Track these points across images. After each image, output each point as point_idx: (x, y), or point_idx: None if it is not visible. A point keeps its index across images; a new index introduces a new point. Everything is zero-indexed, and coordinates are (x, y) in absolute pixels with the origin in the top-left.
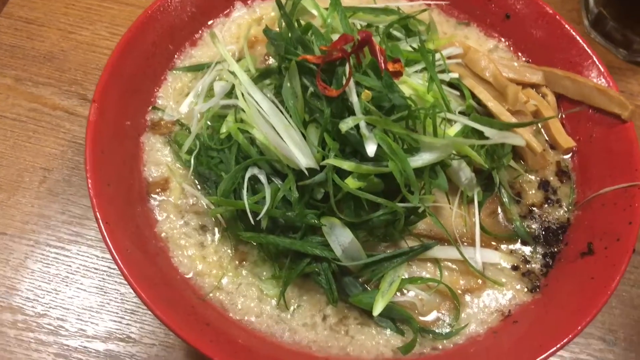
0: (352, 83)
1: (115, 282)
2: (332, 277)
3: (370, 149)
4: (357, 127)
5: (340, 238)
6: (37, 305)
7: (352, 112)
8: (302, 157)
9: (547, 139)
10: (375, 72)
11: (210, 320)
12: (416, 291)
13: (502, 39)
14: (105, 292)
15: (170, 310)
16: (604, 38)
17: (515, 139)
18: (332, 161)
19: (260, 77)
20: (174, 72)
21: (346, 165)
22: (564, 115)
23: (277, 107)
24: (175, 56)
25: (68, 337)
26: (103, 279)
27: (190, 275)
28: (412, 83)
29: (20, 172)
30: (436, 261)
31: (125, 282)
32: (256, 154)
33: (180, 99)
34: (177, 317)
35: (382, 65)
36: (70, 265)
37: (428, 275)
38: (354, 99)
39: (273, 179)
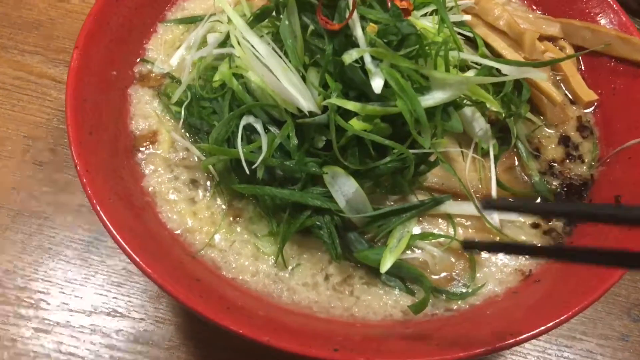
0: (356, 16)
1: (102, 253)
2: (335, 231)
3: (377, 83)
4: (362, 64)
5: (344, 188)
6: (17, 277)
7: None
8: (302, 100)
9: (567, 93)
10: (382, 5)
11: (200, 277)
12: (427, 248)
13: None
14: (90, 265)
15: (154, 262)
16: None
17: (536, 74)
18: (334, 101)
19: (256, 19)
20: (165, 24)
21: (350, 105)
22: (583, 68)
23: (275, 51)
24: (166, 8)
25: (50, 311)
26: (89, 250)
27: (179, 232)
28: (422, 24)
29: (3, 141)
30: (449, 217)
31: (113, 254)
32: (252, 101)
33: (171, 52)
34: (162, 269)
35: None
36: (53, 237)
37: (440, 232)
38: (358, 32)
39: (270, 127)
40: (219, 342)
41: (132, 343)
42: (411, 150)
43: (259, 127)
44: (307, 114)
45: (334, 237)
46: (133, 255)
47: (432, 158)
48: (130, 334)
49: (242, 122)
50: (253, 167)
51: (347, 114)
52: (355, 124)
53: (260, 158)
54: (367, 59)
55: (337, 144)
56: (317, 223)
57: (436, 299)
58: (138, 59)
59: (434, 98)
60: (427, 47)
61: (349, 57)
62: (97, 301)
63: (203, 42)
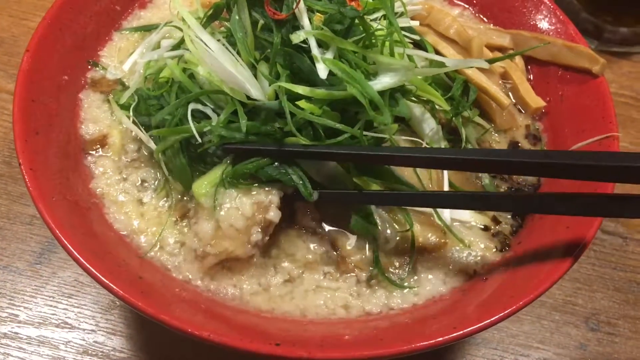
0: (302, 6)
1: (54, 265)
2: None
3: (321, 67)
4: (308, 53)
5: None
6: None
7: None
8: (251, 89)
9: (514, 101)
10: None
11: (144, 275)
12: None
13: (467, 6)
14: (41, 276)
15: (96, 258)
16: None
17: (478, 62)
18: (284, 84)
19: (209, 19)
20: (121, 32)
21: (300, 89)
22: (532, 77)
23: (227, 48)
24: (123, 17)
25: None
26: (40, 261)
27: (125, 233)
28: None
29: None
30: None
31: (65, 266)
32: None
33: (124, 59)
34: (103, 265)
35: None
36: (5, 248)
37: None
38: (305, 22)
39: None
40: (172, 354)
41: (81, 355)
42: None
43: (209, 111)
44: (252, 98)
45: (304, 178)
46: (70, 248)
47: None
48: (79, 346)
49: (190, 107)
50: (205, 139)
51: (297, 101)
52: (304, 105)
53: (212, 124)
54: (313, 44)
55: (292, 125)
56: (282, 171)
57: (377, 294)
58: (91, 65)
59: (381, 83)
60: (372, 37)
61: (297, 37)
62: (47, 312)
63: (157, 48)
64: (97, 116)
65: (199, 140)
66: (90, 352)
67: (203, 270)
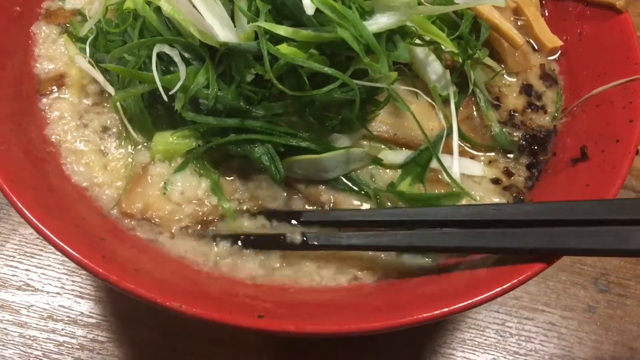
0: None
1: (14, 221)
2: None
3: (307, 3)
4: None
5: None
6: None
7: None
8: (220, 29)
9: (529, 40)
10: None
11: (106, 237)
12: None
13: None
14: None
15: (51, 218)
16: None
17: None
18: (263, 24)
19: None
20: None
21: (282, 30)
22: (547, 13)
23: None
24: None
25: None
26: None
27: (85, 185)
28: None
29: None
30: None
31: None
32: (167, 32)
33: None
34: (60, 226)
35: None
36: None
37: None
38: None
39: (192, 61)
40: (145, 319)
41: (45, 320)
42: (356, 81)
43: (175, 57)
44: (219, 44)
45: (275, 159)
46: (20, 205)
47: (382, 97)
48: (43, 310)
49: (156, 50)
50: (171, 92)
51: (280, 43)
52: (285, 49)
53: (179, 84)
54: None
55: (271, 74)
56: (254, 148)
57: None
58: None
59: (377, 23)
60: None
61: None
62: (7, 274)
63: None
64: (53, 52)
65: (165, 98)
66: (55, 317)
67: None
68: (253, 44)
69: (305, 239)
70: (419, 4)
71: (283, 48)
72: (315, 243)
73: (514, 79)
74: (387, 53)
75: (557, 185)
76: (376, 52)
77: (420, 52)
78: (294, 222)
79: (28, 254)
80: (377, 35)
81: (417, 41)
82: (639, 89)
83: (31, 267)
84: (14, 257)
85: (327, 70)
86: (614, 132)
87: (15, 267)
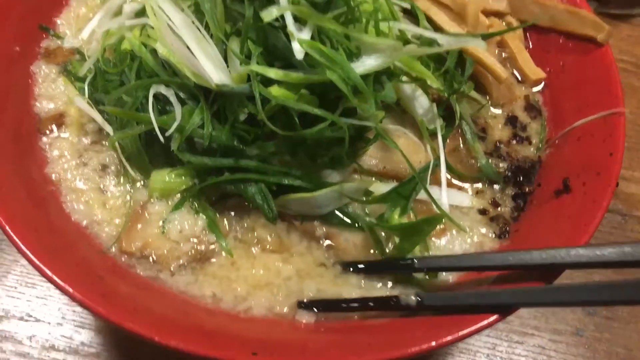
0: None
1: (16, 252)
2: (269, 193)
3: (297, 48)
4: (285, 28)
5: None
6: None
7: None
8: (214, 71)
9: (514, 72)
10: None
11: (105, 275)
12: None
13: None
14: (1, 264)
15: (51, 257)
16: None
17: (474, 42)
18: (254, 67)
19: None
20: None
21: (272, 72)
22: (530, 45)
23: (192, 21)
24: None
25: None
26: (1, 249)
27: (85, 224)
28: None
29: None
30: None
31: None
32: (163, 72)
33: (83, 26)
34: (60, 265)
35: None
36: None
37: None
38: None
39: (187, 101)
40: (145, 349)
41: (47, 350)
42: (344, 119)
43: (171, 97)
44: (213, 87)
45: (268, 198)
46: (22, 246)
47: (371, 134)
48: (45, 341)
49: (152, 91)
50: (167, 134)
51: (271, 84)
52: (276, 91)
53: (175, 124)
54: (289, 20)
55: (263, 114)
56: (248, 187)
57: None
58: (46, 33)
59: (364, 65)
60: (356, 11)
61: (269, 14)
62: (9, 304)
63: (118, 13)
64: (53, 91)
65: (162, 139)
66: (57, 347)
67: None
68: (245, 87)
69: (419, 299)
70: (406, 41)
71: (274, 90)
72: (431, 304)
73: (499, 111)
74: (374, 93)
75: (542, 217)
76: (364, 93)
77: (407, 87)
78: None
79: (29, 285)
80: (365, 76)
81: (405, 78)
82: (619, 123)
83: (32, 298)
84: (15, 287)
85: (317, 111)
86: (595, 165)
87: (17, 298)
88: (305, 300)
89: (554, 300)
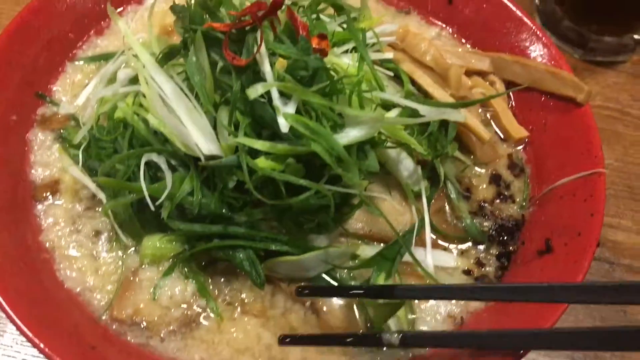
0: (264, 50)
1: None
2: (257, 258)
3: (282, 123)
4: (271, 102)
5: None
6: None
7: None
8: (204, 142)
9: (497, 130)
10: (292, 39)
11: (97, 344)
12: None
13: (445, 26)
14: None
15: (44, 329)
16: (559, 38)
17: (454, 115)
18: (242, 140)
19: (165, 58)
20: (75, 62)
21: (259, 144)
22: (513, 103)
23: (182, 90)
24: (78, 45)
25: None
26: None
27: (78, 291)
28: (340, 62)
29: None
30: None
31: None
32: (154, 140)
33: (79, 92)
34: (51, 335)
35: (299, 30)
36: None
37: None
38: (266, 68)
39: (178, 167)
40: None
41: None
42: (329, 187)
43: (162, 164)
44: (202, 158)
45: (256, 264)
46: (17, 321)
47: (356, 200)
48: None
49: (144, 159)
50: (157, 203)
51: (259, 154)
52: (263, 163)
53: (165, 193)
54: (275, 95)
55: (250, 184)
56: (236, 253)
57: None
58: (43, 100)
59: (348, 137)
60: (339, 83)
61: (254, 91)
62: None
63: (113, 79)
64: (48, 158)
65: (152, 207)
66: None
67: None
68: (233, 158)
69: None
70: (393, 105)
71: (261, 162)
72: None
73: (483, 170)
74: (358, 162)
75: (525, 278)
76: (347, 163)
77: (392, 151)
78: None
79: (26, 344)
80: (348, 146)
81: (389, 144)
82: (599, 183)
83: (28, 357)
84: (12, 346)
85: (302, 182)
86: (576, 225)
87: (13, 357)
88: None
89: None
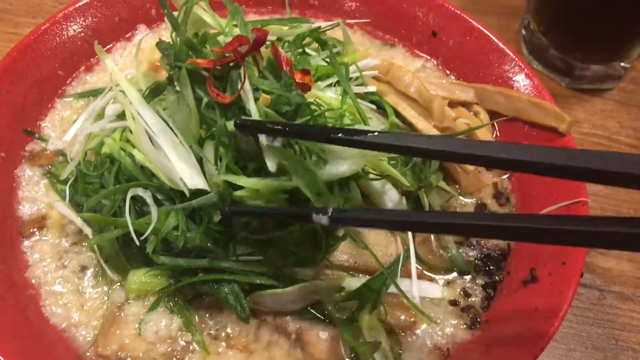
0: (248, 87)
1: None
2: (242, 292)
3: (270, 162)
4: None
5: None
6: None
7: None
8: (189, 177)
9: None
10: (275, 75)
11: None
12: None
13: (430, 58)
14: None
15: None
16: (546, 67)
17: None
18: (225, 177)
19: (151, 94)
20: (65, 99)
21: (243, 181)
22: (498, 134)
23: (168, 125)
24: (67, 82)
25: None
26: None
27: (63, 327)
28: (323, 96)
29: None
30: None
31: None
32: (141, 175)
33: (67, 128)
34: None
35: (282, 65)
36: None
37: None
38: (250, 105)
39: (164, 202)
40: None
41: None
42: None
43: (148, 198)
44: (186, 192)
45: (240, 298)
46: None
47: (340, 232)
48: None
49: (130, 194)
50: (142, 237)
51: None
52: (248, 200)
53: (151, 227)
54: None
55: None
56: (221, 287)
57: None
58: (31, 137)
59: (330, 173)
60: (322, 117)
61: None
62: None
63: (101, 115)
64: (35, 194)
65: (137, 242)
66: None
67: None
68: (214, 196)
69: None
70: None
71: (242, 193)
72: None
73: (468, 200)
74: (341, 195)
75: (511, 307)
76: (327, 200)
77: (377, 183)
78: None
79: None
80: (331, 181)
81: (373, 175)
82: (583, 211)
83: None
84: None
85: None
86: (560, 255)
87: None
88: None
89: None
